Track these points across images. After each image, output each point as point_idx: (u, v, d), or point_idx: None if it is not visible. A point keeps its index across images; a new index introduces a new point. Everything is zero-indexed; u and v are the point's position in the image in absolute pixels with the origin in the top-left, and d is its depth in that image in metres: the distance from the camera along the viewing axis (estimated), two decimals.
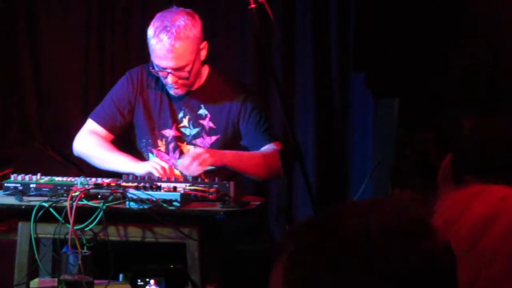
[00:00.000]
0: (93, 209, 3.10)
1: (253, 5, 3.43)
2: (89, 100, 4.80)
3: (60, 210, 3.10)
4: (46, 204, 3.13)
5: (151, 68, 3.61)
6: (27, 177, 3.34)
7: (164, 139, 3.72)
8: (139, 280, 3.14)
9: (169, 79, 3.58)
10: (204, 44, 3.64)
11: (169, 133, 3.71)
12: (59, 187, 3.28)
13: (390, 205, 1.11)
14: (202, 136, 3.70)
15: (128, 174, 3.39)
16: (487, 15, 3.54)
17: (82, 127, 3.75)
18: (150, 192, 3.15)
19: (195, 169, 3.41)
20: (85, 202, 3.12)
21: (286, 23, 4.63)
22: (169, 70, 3.56)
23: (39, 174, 3.37)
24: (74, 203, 3.08)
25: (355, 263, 1.04)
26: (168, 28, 3.53)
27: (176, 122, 3.71)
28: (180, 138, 3.71)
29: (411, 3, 3.69)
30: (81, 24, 4.85)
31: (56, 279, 3.07)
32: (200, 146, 3.68)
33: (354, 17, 4.51)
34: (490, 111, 3.31)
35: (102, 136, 3.69)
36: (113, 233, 3.19)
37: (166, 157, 3.70)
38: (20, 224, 3.24)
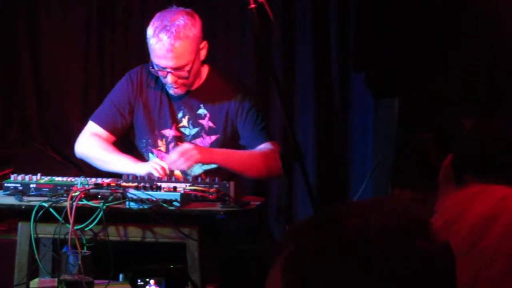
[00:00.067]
0: (93, 209, 3.10)
1: (253, 5, 3.44)
2: (89, 100, 4.80)
3: (60, 210, 3.10)
4: (46, 204, 3.13)
5: (150, 67, 3.61)
6: (27, 177, 3.34)
7: (164, 139, 3.72)
8: (139, 280, 3.14)
9: (169, 79, 3.58)
10: (204, 44, 3.64)
11: (169, 133, 3.71)
12: (59, 187, 3.28)
13: (390, 205, 1.11)
14: (202, 136, 3.70)
15: (128, 174, 3.39)
16: (487, 15, 3.53)
17: (84, 129, 3.75)
18: (150, 192, 3.15)
19: (182, 165, 3.41)
20: (85, 202, 3.12)
21: (286, 23, 4.64)
22: (168, 70, 3.56)
23: (39, 174, 3.37)
24: (74, 203, 3.08)
25: (355, 263, 1.04)
26: (168, 28, 3.53)
27: (176, 122, 3.71)
28: (180, 138, 3.71)
29: (411, 3, 3.69)
30: (81, 24, 4.85)
31: (56, 279, 3.07)
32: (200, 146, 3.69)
33: (354, 17, 4.51)
34: (490, 111, 3.31)
35: (103, 138, 3.69)
36: (113, 233, 3.19)
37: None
38: (20, 224, 3.24)
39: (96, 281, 3.02)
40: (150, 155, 3.71)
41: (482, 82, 3.49)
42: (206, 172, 3.61)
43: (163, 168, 3.45)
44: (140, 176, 3.35)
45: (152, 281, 3.13)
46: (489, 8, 3.54)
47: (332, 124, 4.68)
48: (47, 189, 3.28)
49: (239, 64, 4.75)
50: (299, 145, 3.57)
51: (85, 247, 3.08)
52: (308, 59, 4.66)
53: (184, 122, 3.71)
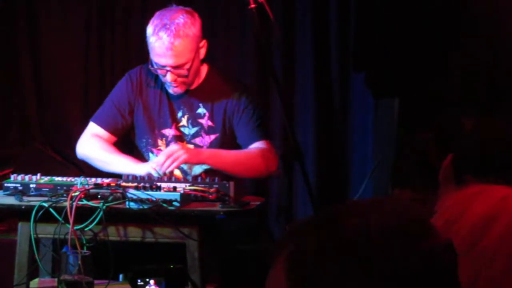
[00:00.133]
0: (93, 209, 3.10)
1: (253, 5, 3.44)
2: (89, 100, 4.80)
3: (60, 210, 3.10)
4: (46, 204, 3.13)
5: (150, 66, 3.61)
6: (27, 177, 3.34)
7: (164, 139, 3.72)
8: (139, 280, 3.14)
9: (168, 77, 3.58)
10: (203, 43, 3.64)
11: (169, 132, 3.71)
12: (59, 187, 3.28)
13: (390, 205, 1.11)
14: (201, 135, 3.70)
15: (128, 175, 3.39)
16: (487, 15, 3.54)
17: (85, 130, 3.75)
18: (150, 192, 3.15)
19: (169, 167, 3.40)
20: (85, 202, 3.12)
21: (286, 23, 4.63)
22: (168, 68, 3.56)
23: (39, 174, 3.37)
24: (74, 203, 3.08)
25: (355, 263, 1.04)
26: (168, 26, 3.53)
27: (176, 121, 3.71)
28: (180, 138, 3.71)
29: (411, 3, 3.69)
30: (81, 24, 4.85)
31: (56, 279, 3.07)
32: (199, 145, 3.69)
33: (354, 17, 4.51)
34: (490, 111, 3.31)
35: (104, 138, 3.70)
36: (113, 233, 3.19)
37: None
38: (20, 224, 3.24)
39: (96, 281, 3.02)
40: (150, 154, 3.71)
41: (482, 82, 3.49)
42: (206, 172, 3.61)
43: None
44: (140, 176, 3.35)
45: (152, 281, 3.13)
46: (489, 8, 3.54)
47: (332, 124, 4.67)
48: (47, 189, 3.28)
49: (239, 64, 4.75)
50: (299, 145, 3.57)
51: (85, 247, 3.08)
52: (308, 59, 4.66)
53: (184, 121, 3.71)
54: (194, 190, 3.27)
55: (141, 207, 3.10)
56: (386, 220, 1.07)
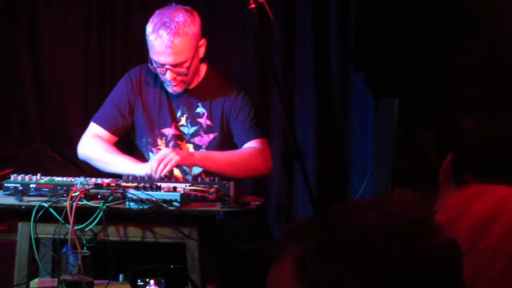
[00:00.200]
0: (93, 209, 3.10)
1: (253, 5, 3.44)
2: (89, 100, 4.80)
3: (60, 210, 3.10)
4: (46, 204, 3.13)
5: (149, 64, 3.61)
6: (27, 177, 3.34)
7: (164, 138, 3.72)
8: (139, 280, 3.14)
9: (168, 76, 3.58)
10: (203, 42, 3.64)
11: (169, 131, 3.72)
12: (59, 187, 3.28)
13: (390, 205, 1.11)
14: (200, 135, 3.70)
15: (128, 175, 3.39)
16: (487, 15, 3.54)
17: (86, 131, 3.75)
18: (150, 192, 3.15)
19: (163, 171, 3.40)
20: (85, 202, 3.12)
21: (286, 23, 4.63)
22: (167, 66, 3.56)
23: (39, 174, 3.37)
24: (74, 203, 3.07)
25: (355, 263, 1.04)
26: (167, 24, 3.53)
27: (175, 120, 3.71)
28: (180, 137, 3.71)
29: (411, 3, 3.69)
30: (81, 24, 4.85)
31: (56, 279, 3.07)
32: (198, 145, 3.69)
33: (354, 17, 4.51)
34: (490, 111, 3.31)
35: (105, 139, 3.70)
36: (113, 233, 3.19)
37: None
38: (20, 224, 3.24)
39: (96, 281, 3.02)
40: (150, 154, 3.71)
41: (482, 82, 3.49)
42: (206, 171, 3.60)
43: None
44: (140, 176, 3.35)
45: (152, 281, 3.13)
46: (489, 8, 3.54)
47: (332, 124, 4.67)
48: (47, 189, 3.28)
49: (239, 64, 4.75)
50: (299, 145, 3.57)
51: (85, 247, 3.08)
52: (308, 59, 4.66)
53: (183, 120, 3.71)
54: (194, 190, 3.27)
55: (141, 207, 3.10)
56: (386, 220, 1.07)
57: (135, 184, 3.22)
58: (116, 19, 4.84)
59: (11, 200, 3.25)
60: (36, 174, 3.36)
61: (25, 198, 3.24)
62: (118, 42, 4.85)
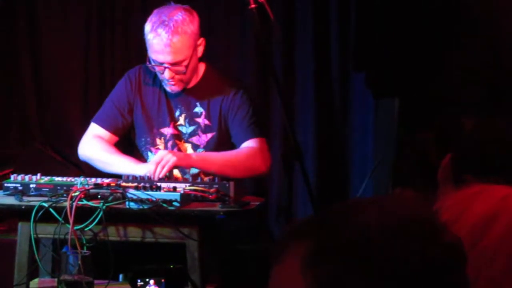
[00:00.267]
0: (93, 209, 3.10)
1: (253, 5, 3.44)
2: (89, 100, 4.80)
3: (60, 210, 3.10)
4: (46, 204, 3.13)
5: (148, 63, 3.61)
6: (27, 177, 3.34)
7: (162, 138, 3.72)
8: (139, 280, 3.14)
9: (166, 74, 3.58)
10: (201, 41, 3.64)
11: (168, 131, 3.71)
12: (59, 187, 3.28)
13: (391, 205, 1.11)
14: (198, 134, 3.70)
15: (128, 175, 3.38)
16: (487, 15, 3.54)
17: (86, 131, 3.75)
18: (150, 192, 3.15)
19: (161, 173, 3.39)
20: (85, 202, 3.12)
21: (286, 23, 4.63)
22: (166, 65, 3.56)
23: (39, 174, 3.37)
24: (74, 203, 3.07)
25: (355, 263, 1.04)
26: (166, 23, 3.53)
27: (174, 120, 3.71)
28: (178, 136, 3.71)
29: (411, 3, 3.69)
30: (81, 24, 4.85)
31: (56, 279, 3.07)
32: (196, 144, 3.69)
33: (354, 17, 4.51)
34: (490, 111, 3.31)
35: (106, 139, 3.69)
36: (113, 233, 3.19)
37: None
38: (20, 224, 3.24)
39: (96, 281, 3.02)
40: (149, 154, 3.71)
41: (482, 82, 3.50)
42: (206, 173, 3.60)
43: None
44: (140, 177, 3.35)
45: (152, 281, 3.13)
46: (489, 8, 3.54)
47: (332, 124, 4.67)
48: (47, 189, 3.28)
49: (239, 64, 4.75)
50: (299, 145, 3.57)
51: (85, 247, 3.08)
52: (308, 59, 4.66)
53: (181, 120, 3.71)
54: (194, 190, 3.27)
55: (141, 207, 3.10)
56: (386, 220, 1.07)
57: (135, 184, 3.22)
58: (116, 19, 4.84)
59: (11, 200, 3.25)
60: (36, 174, 3.36)
61: (25, 198, 3.24)
62: (118, 42, 4.85)
